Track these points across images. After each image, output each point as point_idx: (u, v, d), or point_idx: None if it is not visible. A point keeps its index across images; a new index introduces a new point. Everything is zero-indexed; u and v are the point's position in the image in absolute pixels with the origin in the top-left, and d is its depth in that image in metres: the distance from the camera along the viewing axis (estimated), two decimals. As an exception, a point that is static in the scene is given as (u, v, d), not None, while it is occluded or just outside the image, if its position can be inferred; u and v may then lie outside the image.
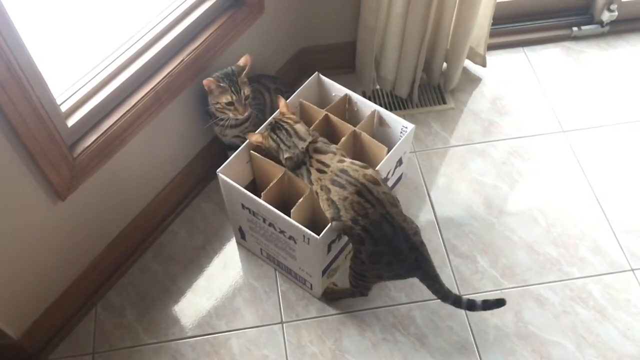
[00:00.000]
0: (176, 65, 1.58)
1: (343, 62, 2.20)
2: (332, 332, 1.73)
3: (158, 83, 1.54)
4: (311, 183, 1.58)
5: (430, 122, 2.16)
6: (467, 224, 1.91)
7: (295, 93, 1.80)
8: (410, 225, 1.55)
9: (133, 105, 1.50)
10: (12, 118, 1.21)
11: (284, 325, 1.75)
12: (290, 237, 1.61)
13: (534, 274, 1.83)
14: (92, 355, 1.70)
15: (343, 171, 1.52)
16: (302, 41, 2.14)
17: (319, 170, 1.55)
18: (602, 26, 2.34)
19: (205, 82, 1.65)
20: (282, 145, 1.60)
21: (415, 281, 1.59)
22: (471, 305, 1.60)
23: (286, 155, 1.59)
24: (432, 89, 2.23)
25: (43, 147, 1.31)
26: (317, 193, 1.57)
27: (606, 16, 2.30)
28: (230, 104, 1.69)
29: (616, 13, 2.28)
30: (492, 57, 2.31)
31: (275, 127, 1.62)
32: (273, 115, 1.69)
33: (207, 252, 1.88)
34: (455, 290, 1.73)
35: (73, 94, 1.43)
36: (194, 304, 1.78)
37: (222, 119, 1.73)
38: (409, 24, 1.93)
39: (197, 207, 1.97)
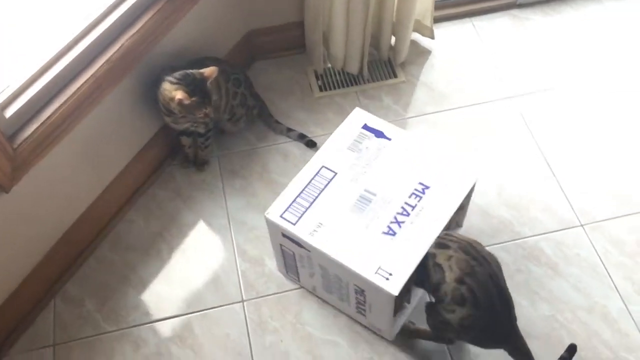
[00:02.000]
0: (115, 51, 1.57)
1: (293, 43, 2.21)
2: (293, 306, 1.75)
3: (98, 69, 1.53)
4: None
5: (382, 97, 2.17)
6: None
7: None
8: (506, 286, 1.48)
9: (73, 93, 1.49)
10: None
11: (244, 303, 1.76)
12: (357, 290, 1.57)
13: (487, 236, 1.86)
14: (53, 347, 1.69)
15: (446, 235, 1.52)
16: (249, 24, 2.14)
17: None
18: (546, -8, 2.38)
19: (176, 95, 1.63)
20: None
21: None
22: None
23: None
24: (382, 64, 2.25)
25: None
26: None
27: (548, -19, 2.34)
28: (205, 116, 1.71)
29: (558, -23, 2.33)
30: (441, 30, 2.34)
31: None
32: None
33: (164, 238, 1.88)
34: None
35: (9, 86, 1.42)
36: (153, 290, 1.79)
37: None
38: (351, -1, 1.95)
39: (153, 195, 1.96)
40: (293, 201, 1.61)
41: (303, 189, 1.64)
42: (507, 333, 1.47)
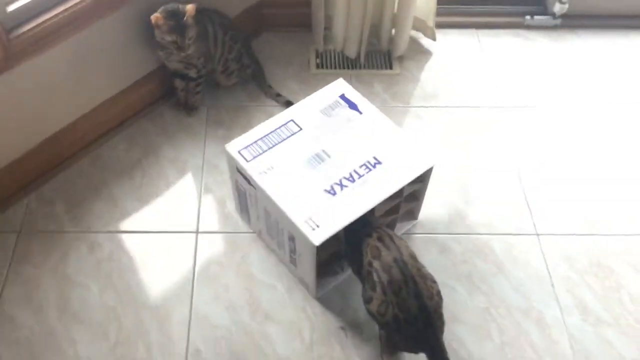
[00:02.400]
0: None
1: (301, 20, 2.35)
2: (243, 247, 1.87)
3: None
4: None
5: (374, 83, 2.29)
6: None
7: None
8: (426, 283, 1.51)
9: (74, 4, 1.68)
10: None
11: (198, 234, 1.88)
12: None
13: (442, 225, 1.93)
14: (17, 233, 1.86)
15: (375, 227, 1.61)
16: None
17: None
18: (554, 18, 2.46)
19: (152, 17, 1.81)
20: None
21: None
22: None
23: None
24: (381, 55, 2.37)
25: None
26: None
27: (557, 7, 2.42)
28: (174, 42, 1.87)
29: (567, 5, 2.40)
30: (445, 36, 2.45)
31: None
32: None
33: (141, 165, 2.04)
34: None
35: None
36: (119, 206, 1.94)
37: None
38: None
39: (141, 127, 2.13)
40: (254, 142, 1.74)
41: (266, 135, 1.76)
42: (422, 330, 1.48)
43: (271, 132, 1.76)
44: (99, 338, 1.68)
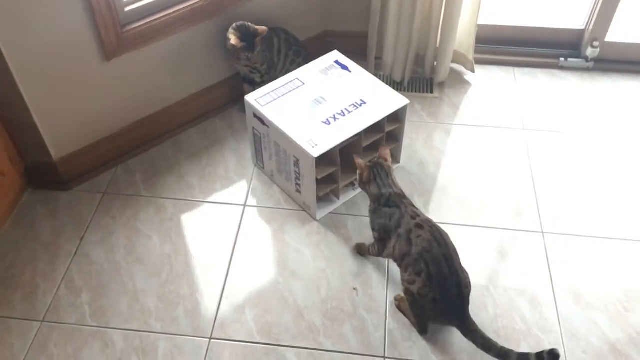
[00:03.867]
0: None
1: (359, 49, 2.72)
2: (280, 220, 2.19)
3: (195, 3, 2.20)
4: (399, 226, 1.82)
5: (415, 103, 2.62)
6: (415, 173, 2.34)
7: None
8: (464, 275, 1.76)
9: (172, 12, 2.16)
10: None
11: (245, 207, 2.23)
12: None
13: (453, 215, 2.18)
14: (103, 194, 2.29)
15: (427, 220, 1.82)
16: (325, 24, 2.74)
17: (412, 217, 1.82)
18: (587, 61, 2.71)
19: (232, 43, 2.25)
20: (378, 180, 1.91)
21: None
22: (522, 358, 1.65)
23: (377, 191, 1.89)
24: (424, 81, 2.71)
25: (104, 16, 1.98)
26: (398, 236, 1.81)
27: (590, 51, 2.67)
28: (248, 58, 2.34)
29: (598, 50, 2.65)
30: (485, 70, 2.77)
31: (377, 164, 1.93)
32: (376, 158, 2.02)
33: (207, 150, 2.45)
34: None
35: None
36: (185, 180, 2.33)
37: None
38: (403, 14, 2.46)
39: (213, 122, 2.56)
40: (267, 93, 2.24)
41: (277, 88, 2.27)
42: (458, 307, 1.73)
43: (280, 87, 2.26)
44: (154, 276, 2.03)
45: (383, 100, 2.18)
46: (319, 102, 2.17)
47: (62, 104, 2.12)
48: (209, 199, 2.27)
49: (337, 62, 2.33)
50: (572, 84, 2.71)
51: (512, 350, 1.65)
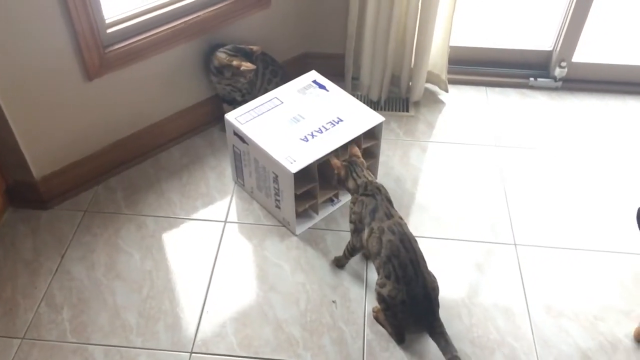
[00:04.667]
0: (192, 18, 2.29)
1: (336, 70, 2.80)
2: (260, 235, 2.23)
3: (176, 25, 2.26)
4: (373, 218, 1.89)
5: (391, 122, 2.70)
6: (392, 189, 2.30)
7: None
8: (431, 278, 1.84)
9: (153, 34, 2.21)
10: (73, 14, 1.95)
11: (225, 224, 2.27)
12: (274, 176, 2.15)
13: (427, 229, 2.25)
14: (84, 212, 2.31)
15: (398, 224, 1.87)
16: (305, 46, 2.81)
17: (386, 215, 1.89)
18: (556, 81, 2.82)
19: (244, 67, 2.33)
20: (354, 174, 2.00)
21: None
22: None
23: (354, 184, 1.99)
24: (400, 100, 2.79)
25: (86, 38, 2.03)
26: (371, 230, 1.89)
27: (558, 72, 2.78)
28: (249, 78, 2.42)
29: (566, 70, 2.77)
30: (458, 90, 2.86)
31: (351, 162, 2.03)
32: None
33: (188, 168, 2.49)
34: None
35: (119, 16, 2.17)
36: (166, 197, 2.37)
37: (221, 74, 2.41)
38: (378, 37, 2.55)
39: (193, 141, 2.60)
40: (247, 112, 2.30)
41: (256, 107, 2.33)
42: (426, 311, 1.80)
43: (260, 105, 2.33)
44: (135, 292, 2.05)
45: (359, 117, 2.24)
46: (297, 120, 2.23)
47: (45, 124, 2.15)
48: (190, 216, 2.31)
49: (315, 81, 2.40)
50: (542, 102, 2.82)
51: None
